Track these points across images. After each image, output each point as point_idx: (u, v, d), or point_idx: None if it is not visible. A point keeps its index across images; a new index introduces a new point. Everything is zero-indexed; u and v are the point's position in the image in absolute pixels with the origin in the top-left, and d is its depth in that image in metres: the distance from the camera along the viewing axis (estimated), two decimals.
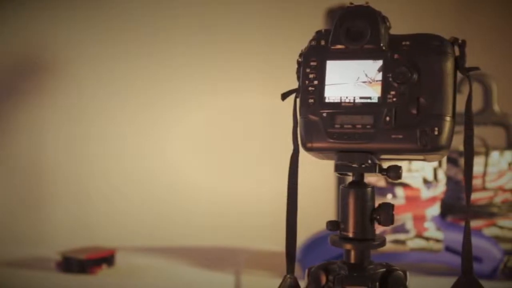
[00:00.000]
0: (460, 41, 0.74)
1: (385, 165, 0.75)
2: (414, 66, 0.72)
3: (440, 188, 1.23)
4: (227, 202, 1.62)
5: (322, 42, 0.75)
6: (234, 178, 1.65)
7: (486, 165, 1.29)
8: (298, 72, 0.76)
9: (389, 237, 1.21)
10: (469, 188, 0.74)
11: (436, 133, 0.71)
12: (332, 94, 0.74)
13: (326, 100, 0.73)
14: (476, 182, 1.30)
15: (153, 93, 1.75)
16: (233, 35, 1.75)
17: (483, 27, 1.71)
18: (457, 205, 1.31)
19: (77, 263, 1.26)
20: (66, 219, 1.67)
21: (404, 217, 1.22)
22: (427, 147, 0.71)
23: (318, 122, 0.73)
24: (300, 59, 0.76)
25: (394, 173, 0.74)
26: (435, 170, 1.22)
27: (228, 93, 1.71)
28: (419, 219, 1.22)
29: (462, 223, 1.30)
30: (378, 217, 0.74)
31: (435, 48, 0.73)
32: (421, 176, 1.21)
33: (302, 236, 1.09)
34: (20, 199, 1.67)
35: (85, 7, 1.77)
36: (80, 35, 1.75)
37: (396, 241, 1.21)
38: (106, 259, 1.29)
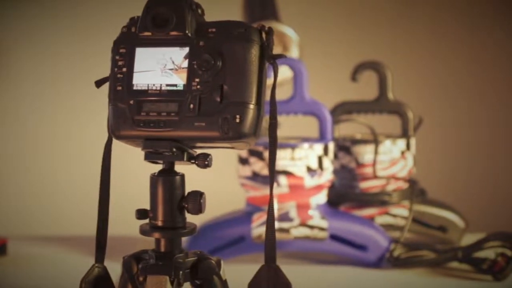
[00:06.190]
0: (267, 28, 0.74)
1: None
2: (219, 53, 0.72)
3: (326, 177, 1.22)
4: (123, 192, 1.61)
5: (133, 29, 0.75)
6: (128, 170, 1.65)
7: (375, 153, 1.28)
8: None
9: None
10: (272, 177, 0.73)
11: (237, 120, 0.71)
12: (140, 81, 0.73)
13: (134, 88, 0.73)
14: (367, 170, 1.29)
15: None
16: None
17: (380, 19, 1.70)
18: (350, 194, 1.31)
19: None
20: None
21: (288, 206, 1.21)
22: (228, 134, 0.71)
23: (125, 109, 0.73)
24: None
25: (202, 161, 0.74)
26: (320, 158, 1.21)
27: None
28: (303, 208, 1.21)
29: (353, 212, 1.30)
30: (186, 205, 0.74)
31: (239, 35, 0.72)
32: (304, 165, 1.20)
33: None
34: None
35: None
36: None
37: (280, 230, 1.21)
38: None
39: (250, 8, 1.51)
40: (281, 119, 1.27)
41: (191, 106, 0.71)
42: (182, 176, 0.75)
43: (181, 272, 0.73)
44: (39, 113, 1.78)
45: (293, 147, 1.20)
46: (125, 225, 1.20)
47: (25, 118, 1.76)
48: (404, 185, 1.31)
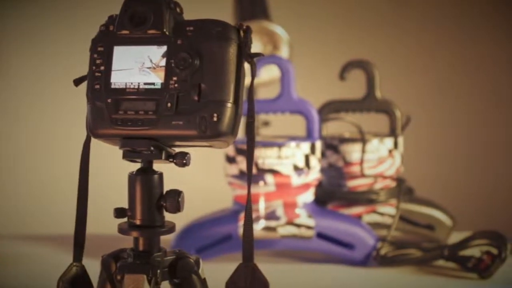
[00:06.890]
0: (244, 27, 0.73)
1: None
2: (197, 51, 0.72)
3: (314, 175, 1.22)
4: (102, 191, 1.62)
5: (111, 28, 0.75)
6: (107, 168, 1.65)
7: (363, 152, 1.28)
8: None
9: (260, 225, 1.21)
10: (250, 175, 0.73)
11: (215, 119, 0.71)
12: (118, 80, 0.73)
13: (112, 86, 0.73)
14: (355, 169, 1.29)
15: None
16: None
17: (369, 18, 1.70)
18: (338, 192, 1.31)
19: None
20: None
21: (274, 204, 1.21)
22: (206, 133, 0.71)
23: (103, 108, 0.73)
24: None
25: (180, 159, 0.74)
26: (306, 157, 1.21)
27: None
28: (290, 206, 1.21)
29: (341, 210, 1.30)
30: (164, 204, 0.74)
31: (217, 33, 0.72)
32: (291, 163, 1.20)
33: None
34: None
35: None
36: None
37: (267, 228, 1.21)
38: None
39: (240, 7, 1.51)
40: (268, 117, 1.28)
41: (169, 104, 0.71)
42: (160, 174, 0.75)
43: (158, 271, 0.73)
44: (39, 113, 1.77)
45: (280, 145, 1.20)
46: (106, 223, 1.20)
47: (25, 118, 1.76)
48: (392, 184, 1.31)
